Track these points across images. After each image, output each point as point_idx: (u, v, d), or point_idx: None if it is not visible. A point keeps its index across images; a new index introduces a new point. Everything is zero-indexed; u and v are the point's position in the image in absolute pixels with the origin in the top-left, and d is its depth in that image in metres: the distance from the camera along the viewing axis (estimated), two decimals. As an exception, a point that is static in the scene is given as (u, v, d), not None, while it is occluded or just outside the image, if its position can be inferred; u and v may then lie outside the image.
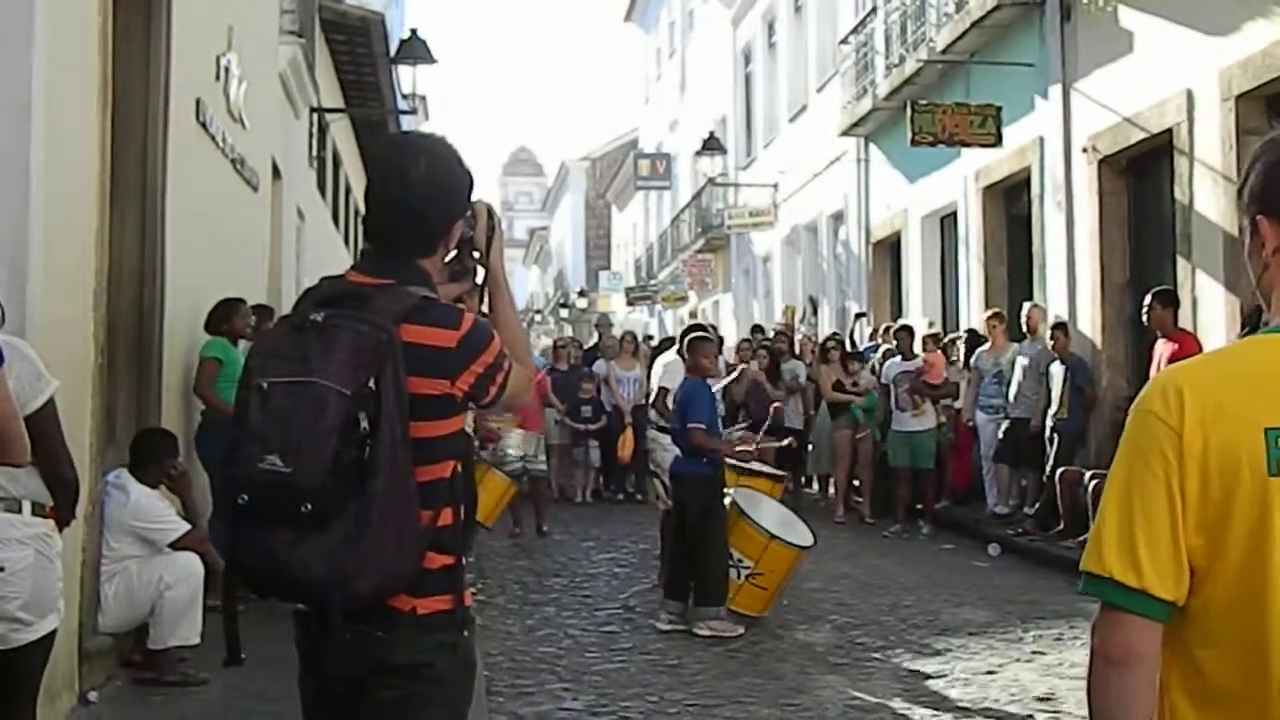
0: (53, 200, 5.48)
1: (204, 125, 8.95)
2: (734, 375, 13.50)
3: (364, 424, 2.57)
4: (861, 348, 16.50)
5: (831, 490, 14.82)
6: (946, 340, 14.54)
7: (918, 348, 13.70)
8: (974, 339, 14.05)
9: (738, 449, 9.63)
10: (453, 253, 2.94)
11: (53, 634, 4.13)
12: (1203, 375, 1.91)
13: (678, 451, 8.82)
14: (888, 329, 15.88)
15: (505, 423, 11.22)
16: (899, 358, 13.65)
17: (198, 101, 8.75)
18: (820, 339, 16.20)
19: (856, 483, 14.55)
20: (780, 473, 10.65)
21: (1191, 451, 1.84)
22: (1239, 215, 2.07)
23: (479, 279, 3.02)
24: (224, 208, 9.98)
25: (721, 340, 16.33)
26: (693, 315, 31.06)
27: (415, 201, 2.79)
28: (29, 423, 3.65)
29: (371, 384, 2.58)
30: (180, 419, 8.59)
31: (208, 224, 9.19)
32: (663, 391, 10.11)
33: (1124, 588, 1.86)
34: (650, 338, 21.16)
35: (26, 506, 4.01)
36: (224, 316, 8.79)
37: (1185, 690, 1.90)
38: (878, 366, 14.68)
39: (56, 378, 4.04)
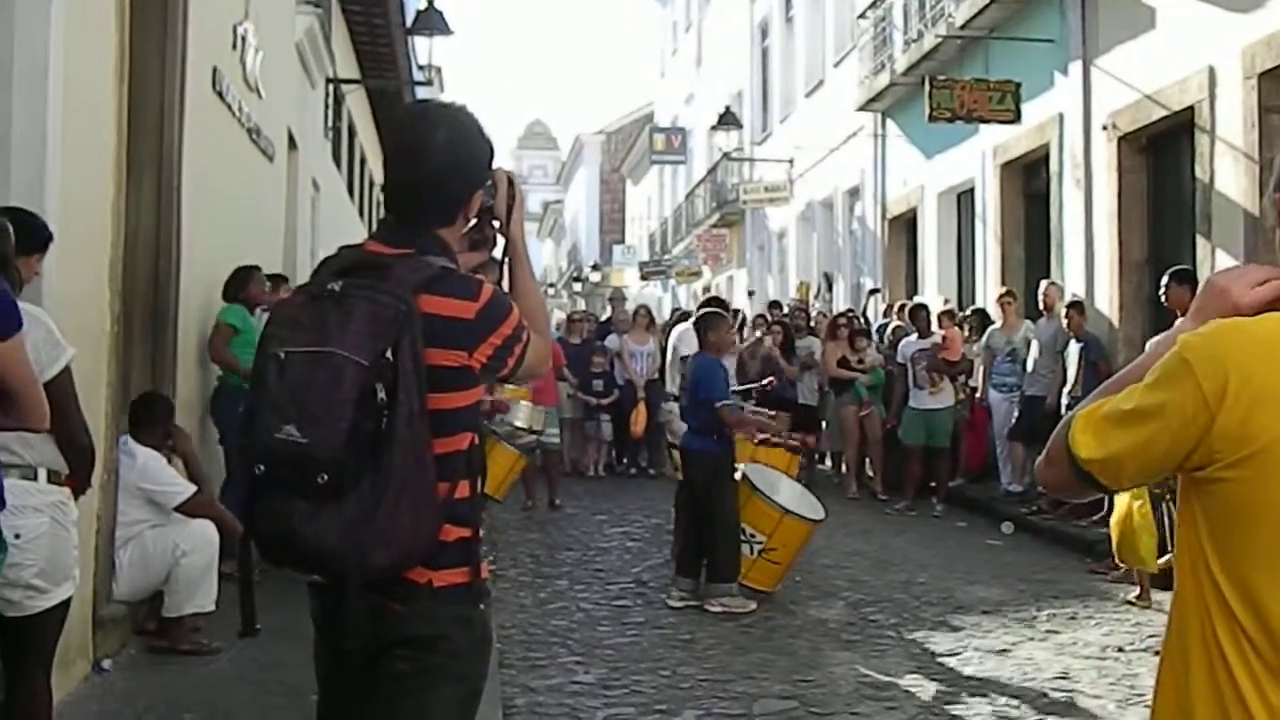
0: (69, 169, 5.47)
1: (220, 94, 8.92)
2: (746, 343, 13.47)
3: (381, 395, 2.54)
4: (875, 324, 16.46)
5: (844, 467, 14.80)
6: (960, 318, 14.49)
7: (934, 324, 13.63)
8: (982, 318, 14.01)
9: (759, 437, 9.61)
10: (472, 222, 2.92)
11: (68, 602, 4.14)
12: (1250, 347, 1.86)
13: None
14: (902, 307, 15.82)
15: (518, 393, 11.20)
16: (914, 335, 13.59)
17: (214, 70, 8.72)
18: (834, 315, 16.17)
19: (870, 459, 14.54)
20: (796, 443, 10.56)
21: (1226, 427, 1.80)
22: (1262, 202, 2.05)
23: (498, 249, 3.00)
24: (240, 177, 9.96)
25: (739, 315, 16.34)
26: (706, 290, 31.03)
27: (435, 171, 2.76)
28: (45, 390, 3.64)
29: (389, 354, 2.56)
30: (195, 387, 8.62)
31: (223, 194, 9.18)
32: (685, 360, 10.19)
33: (1082, 461, 1.94)
34: (677, 309, 21.19)
35: (42, 474, 4.01)
36: (240, 283, 8.88)
37: (1243, 665, 1.86)
38: (884, 343, 14.68)
39: (72, 346, 4.03)
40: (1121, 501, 8.39)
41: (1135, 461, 1.91)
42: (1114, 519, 8.61)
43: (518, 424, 10.93)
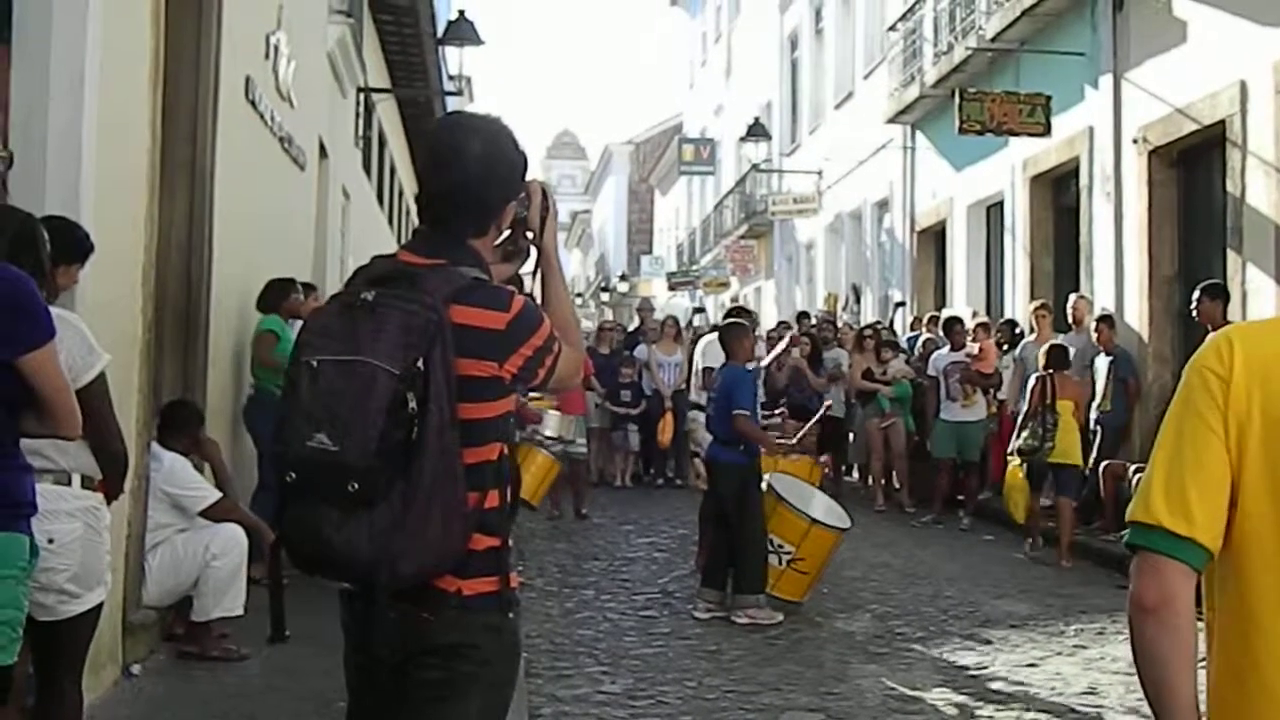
0: (104, 177, 5.51)
1: (253, 103, 8.99)
2: (775, 352, 13.44)
3: (412, 404, 2.55)
4: (903, 337, 16.41)
5: (870, 479, 14.77)
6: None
7: (969, 337, 13.56)
8: (1013, 330, 13.96)
9: (778, 443, 9.59)
10: (506, 233, 2.93)
11: (99, 607, 4.16)
12: (1257, 333, 1.88)
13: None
14: (932, 319, 15.77)
15: (543, 403, 11.23)
16: (947, 348, 13.53)
17: (247, 79, 8.78)
18: (860, 327, 16.14)
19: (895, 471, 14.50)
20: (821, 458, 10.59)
21: (1236, 401, 1.82)
22: None
23: (532, 260, 3.01)
24: (271, 186, 10.03)
25: (772, 328, 16.26)
26: (734, 300, 31.02)
27: (469, 182, 2.78)
28: (79, 396, 3.66)
29: (420, 364, 2.57)
30: (226, 394, 8.67)
31: (255, 202, 9.24)
32: (707, 371, 10.17)
33: (1172, 535, 1.84)
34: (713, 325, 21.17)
35: (75, 479, 4.04)
36: (278, 296, 9.00)
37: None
38: (913, 356, 14.63)
39: (104, 353, 4.06)
40: (1010, 465, 11.08)
41: (1218, 488, 1.86)
42: (1006, 477, 11.22)
43: (547, 434, 10.96)
